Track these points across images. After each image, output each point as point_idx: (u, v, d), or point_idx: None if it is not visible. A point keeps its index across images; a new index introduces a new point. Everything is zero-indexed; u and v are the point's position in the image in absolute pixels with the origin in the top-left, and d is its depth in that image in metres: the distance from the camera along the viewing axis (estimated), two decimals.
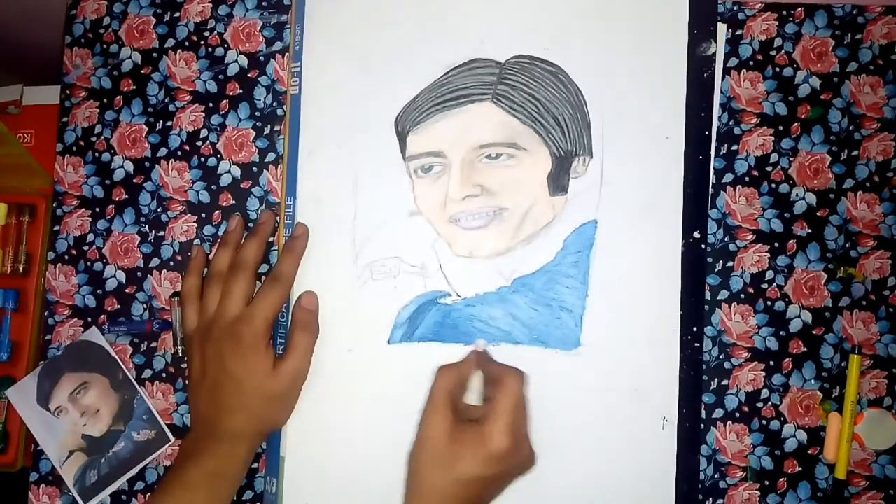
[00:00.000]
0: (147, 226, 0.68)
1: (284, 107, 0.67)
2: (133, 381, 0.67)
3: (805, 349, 0.64)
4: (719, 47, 0.64)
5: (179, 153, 0.68)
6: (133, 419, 0.66)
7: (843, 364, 0.63)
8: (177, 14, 0.69)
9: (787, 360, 0.64)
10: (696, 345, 0.62)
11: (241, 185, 0.68)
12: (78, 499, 0.66)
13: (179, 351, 0.66)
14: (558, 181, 0.64)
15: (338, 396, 0.63)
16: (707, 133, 0.64)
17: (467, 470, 0.54)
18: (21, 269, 0.71)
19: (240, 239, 0.65)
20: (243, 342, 0.59)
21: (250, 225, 0.67)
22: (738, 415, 0.64)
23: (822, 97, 0.65)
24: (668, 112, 0.64)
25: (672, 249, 0.63)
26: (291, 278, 0.63)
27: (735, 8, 0.66)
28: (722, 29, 0.65)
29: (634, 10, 0.64)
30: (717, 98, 0.64)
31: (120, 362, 0.67)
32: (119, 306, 0.68)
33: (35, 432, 0.67)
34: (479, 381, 0.59)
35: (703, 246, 0.63)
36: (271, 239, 0.66)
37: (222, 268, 0.63)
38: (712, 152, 0.64)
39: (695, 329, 0.63)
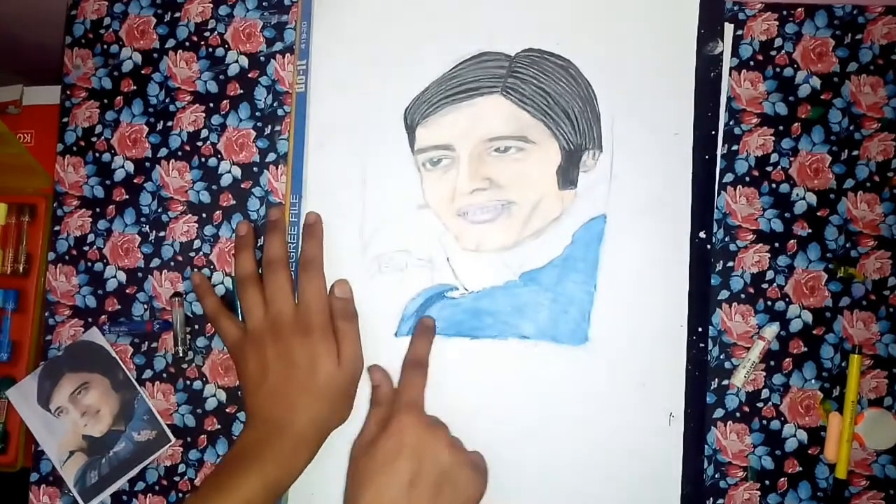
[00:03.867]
0: (147, 226, 0.68)
1: (286, 106, 0.67)
2: (133, 381, 0.67)
3: (805, 349, 0.64)
4: (726, 47, 0.64)
5: (180, 153, 0.68)
6: (133, 419, 0.66)
7: (843, 364, 0.64)
8: (177, 14, 0.69)
9: (787, 359, 0.64)
10: (702, 345, 0.62)
11: (242, 186, 0.68)
12: (78, 499, 0.66)
13: (180, 351, 0.66)
14: (567, 175, 0.63)
15: None
16: (714, 133, 0.64)
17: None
18: (21, 269, 0.71)
19: (253, 241, 0.65)
20: (313, 332, 0.60)
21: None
22: (738, 415, 0.64)
23: (822, 97, 0.65)
24: (678, 108, 0.63)
25: (681, 245, 0.63)
26: (321, 261, 0.63)
27: (735, 8, 0.66)
28: (729, 29, 0.65)
29: (644, 6, 0.64)
30: (724, 98, 0.64)
31: (120, 362, 0.67)
32: (119, 306, 0.68)
33: (35, 432, 0.67)
34: None
35: (708, 246, 0.63)
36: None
37: (252, 271, 0.63)
38: (718, 152, 0.64)
39: (700, 329, 0.62)
